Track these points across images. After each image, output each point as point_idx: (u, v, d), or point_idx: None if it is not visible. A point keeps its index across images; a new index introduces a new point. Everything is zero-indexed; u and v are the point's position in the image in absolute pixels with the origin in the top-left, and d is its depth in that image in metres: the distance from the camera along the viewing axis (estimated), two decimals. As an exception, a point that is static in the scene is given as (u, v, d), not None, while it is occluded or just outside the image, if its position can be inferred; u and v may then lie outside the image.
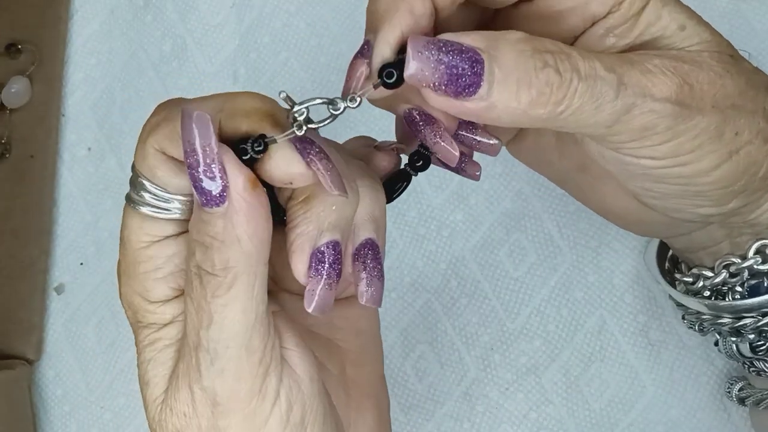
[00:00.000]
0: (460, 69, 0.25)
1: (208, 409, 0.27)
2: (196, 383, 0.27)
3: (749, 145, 0.29)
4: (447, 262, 0.46)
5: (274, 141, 0.26)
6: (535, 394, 0.45)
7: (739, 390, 0.39)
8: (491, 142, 0.31)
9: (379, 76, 0.26)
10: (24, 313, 0.50)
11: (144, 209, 0.27)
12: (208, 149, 0.25)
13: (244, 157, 0.26)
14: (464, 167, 0.31)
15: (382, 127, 0.48)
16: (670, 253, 0.39)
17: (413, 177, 0.31)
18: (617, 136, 0.28)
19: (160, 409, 0.28)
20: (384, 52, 0.26)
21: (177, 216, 0.28)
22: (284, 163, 0.26)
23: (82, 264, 0.51)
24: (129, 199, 0.28)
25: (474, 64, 0.25)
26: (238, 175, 0.26)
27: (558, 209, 0.46)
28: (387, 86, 0.26)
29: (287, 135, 0.26)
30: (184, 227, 0.28)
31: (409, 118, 0.28)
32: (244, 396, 0.27)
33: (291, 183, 0.26)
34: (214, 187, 0.25)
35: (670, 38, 0.29)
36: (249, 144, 0.26)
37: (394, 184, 0.31)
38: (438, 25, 0.28)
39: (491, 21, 0.31)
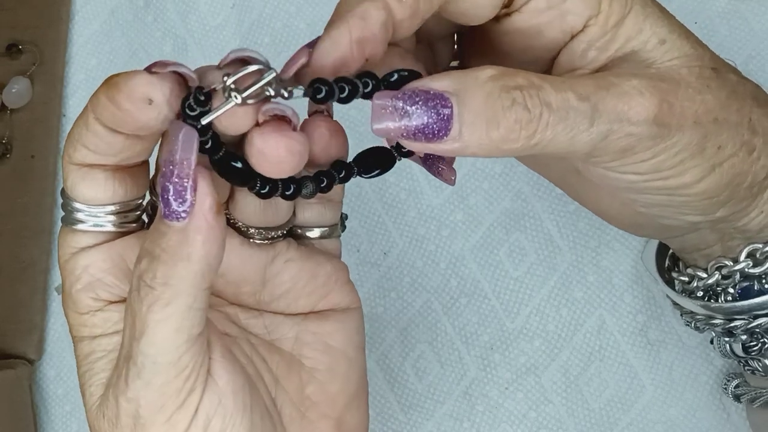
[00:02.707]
0: (426, 119, 0.26)
1: (131, 420, 0.27)
2: (122, 394, 0.27)
3: (733, 157, 0.29)
4: (447, 261, 0.47)
5: (214, 90, 0.26)
6: (535, 393, 0.45)
7: (735, 387, 0.39)
8: (452, 177, 0.31)
9: (310, 86, 0.26)
10: (25, 313, 0.50)
11: (70, 225, 0.29)
12: (186, 163, 0.25)
13: (192, 113, 0.26)
14: (441, 171, 0.31)
15: (382, 127, 0.48)
16: (671, 251, 0.39)
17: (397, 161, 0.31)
18: (598, 158, 0.28)
19: (95, 415, 0.28)
20: (325, 47, 0.27)
21: (85, 228, 0.28)
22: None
23: (82, 264, 0.51)
24: (62, 219, 0.29)
25: (442, 111, 0.26)
26: (207, 195, 0.26)
27: (558, 209, 0.46)
28: (315, 101, 0.27)
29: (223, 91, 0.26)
30: (98, 239, 0.28)
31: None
32: (166, 410, 0.27)
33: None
34: (180, 201, 0.25)
35: (650, 52, 0.29)
36: (191, 98, 0.26)
37: (373, 164, 0.30)
38: (416, 34, 0.28)
39: (470, 36, 0.32)
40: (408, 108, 0.26)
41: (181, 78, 0.26)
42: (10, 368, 0.48)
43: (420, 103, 0.26)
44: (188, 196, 0.25)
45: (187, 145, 0.25)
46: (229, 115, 0.26)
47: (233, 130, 0.27)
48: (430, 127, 0.26)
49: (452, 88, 0.26)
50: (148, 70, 0.26)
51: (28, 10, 0.53)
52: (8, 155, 0.51)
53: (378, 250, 0.47)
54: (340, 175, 0.30)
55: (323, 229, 0.33)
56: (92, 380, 0.29)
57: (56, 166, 0.52)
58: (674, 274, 0.37)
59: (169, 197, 0.25)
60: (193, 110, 0.26)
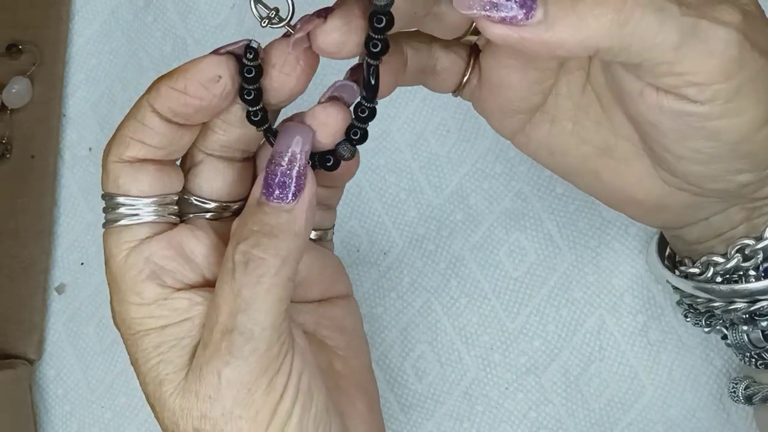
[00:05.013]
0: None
1: (233, 390, 0.28)
2: (226, 366, 0.28)
3: None
4: (446, 261, 0.47)
5: (260, 46, 0.29)
6: (535, 393, 0.45)
7: (745, 389, 0.39)
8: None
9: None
10: (25, 313, 0.50)
11: (119, 223, 0.30)
12: (302, 155, 0.29)
13: (248, 75, 0.29)
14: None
15: (382, 128, 0.48)
16: (668, 252, 0.39)
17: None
18: (682, 64, 0.28)
19: (181, 398, 0.29)
20: None
21: (145, 219, 0.30)
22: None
23: (83, 264, 0.51)
24: (105, 224, 0.30)
25: None
26: (313, 184, 0.29)
27: (558, 209, 0.46)
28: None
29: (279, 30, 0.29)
30: (155, 230, 0.30)
31: None
32: (269, 373, 0.29)
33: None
34: (290, 186, 0.29)
35: None
36: (244, 58, 0.29)
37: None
38: None
39: None
40: None
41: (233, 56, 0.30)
42: (10, 368, 0.48)
43: None
44: (301, 182, 0.29)
45: (304, 139, 0.29)
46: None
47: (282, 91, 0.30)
48: (514, 7, 0.26)
49: None
50: (216, 52, 0.29)
51: (28, 10, 0.53)
52: (8, 155, 0.52)
53: (378, 250, 0.47)
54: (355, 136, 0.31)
55: (319, 232, 0.35)
56: (167, 369, 0.30)
57: (56, 166, 0.52)
58: (683, 268, 0.36)
59: (286, 180, 0.29)
60: (250, 71, 0.29)
